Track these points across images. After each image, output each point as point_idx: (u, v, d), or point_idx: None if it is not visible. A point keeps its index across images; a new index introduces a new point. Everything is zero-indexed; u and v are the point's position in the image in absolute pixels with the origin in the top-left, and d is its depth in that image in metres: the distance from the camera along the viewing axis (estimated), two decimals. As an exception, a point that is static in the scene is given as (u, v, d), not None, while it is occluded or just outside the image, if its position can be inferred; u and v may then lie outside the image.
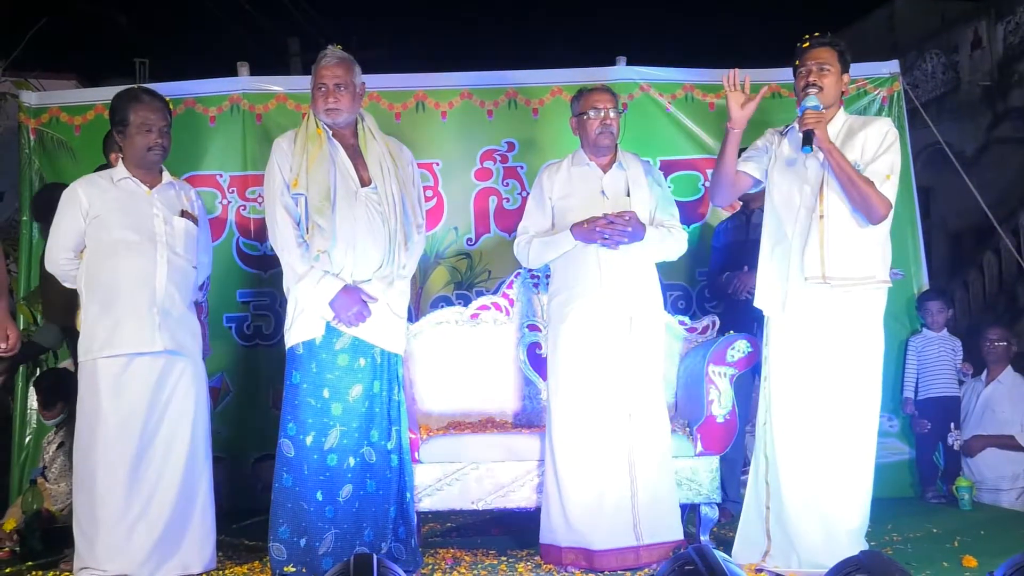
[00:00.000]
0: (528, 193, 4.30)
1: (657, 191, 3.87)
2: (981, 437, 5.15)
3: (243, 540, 4.19)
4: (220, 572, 3.57)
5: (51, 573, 3.66)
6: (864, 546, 3.34)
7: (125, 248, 3.42)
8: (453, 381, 4.33)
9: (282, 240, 3.42)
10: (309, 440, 3.36)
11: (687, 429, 3.91)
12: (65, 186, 3.62)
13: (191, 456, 3.44)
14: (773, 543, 3.44)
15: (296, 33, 12.19)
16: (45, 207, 4.11)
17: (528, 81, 5.28)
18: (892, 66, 5.41)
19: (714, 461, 3.90)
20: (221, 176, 5.15)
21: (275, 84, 5.23)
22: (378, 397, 3.47)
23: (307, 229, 3.39)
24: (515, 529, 4.21)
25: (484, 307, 4.41)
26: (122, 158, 3.55)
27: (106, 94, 4.49)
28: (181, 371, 3.45)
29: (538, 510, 3.78)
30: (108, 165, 3.81)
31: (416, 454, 3.79)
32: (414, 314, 4.70)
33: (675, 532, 3.64)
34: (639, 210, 3.73)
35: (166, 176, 3.58)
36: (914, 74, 11.13)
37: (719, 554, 2.38)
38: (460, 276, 5.18)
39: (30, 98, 5.25)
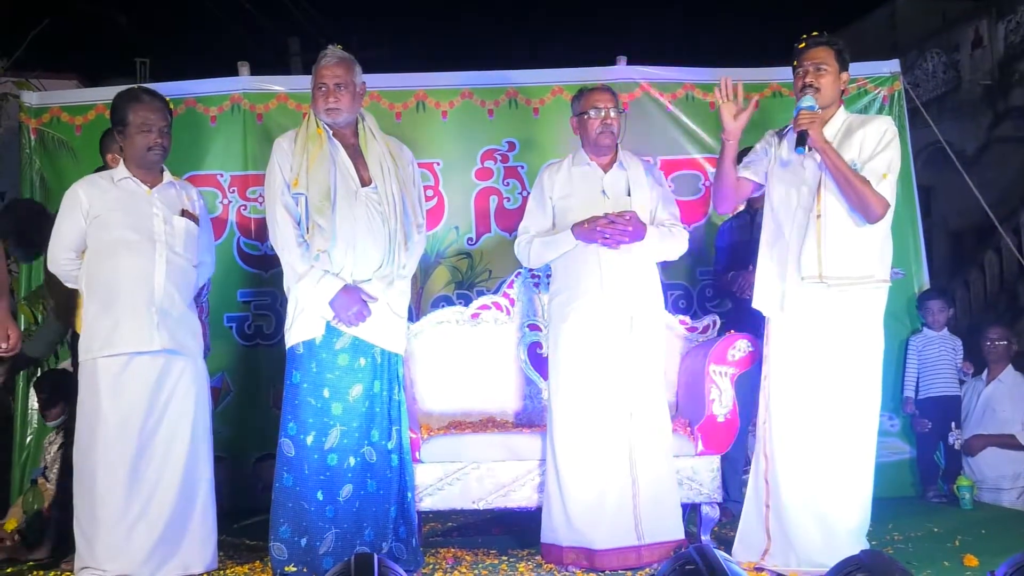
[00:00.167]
0: (529, 193, 4.30)
1: (658, 191, 3.87)
2: (982, 436, 5.15)
3: (244, 540, 4.20)
4: (221, 572, 3.57)
5: (52, 573, 3.67)
6: (865, 545, 3.34)
7: (124, 248, 3.42)
8: (454, 381, 4.33)
9: (282, 240, 3.42)
10: (309, 440, 3.36)
11: (688, 428, 3.91)
12: (30, 202, 3.62)
13: (191, 456, 3.44)
14: (773, 542, 3.44)
15: (297, 33, 12.20)
16: (11, 225, 4.10)
17: (529, 81, 5.28)
18: (893, 65, 5.41)
19: (715, 460, 3.90)
20: (222, 176, 5.15)
21: (276, 84, 5.23)
22: (378, 397, 3.47)
23: (307, 229, 3.39)
24: (516, 529, 4.21)
25: (485, 307, 4.41)
26: (123, 158, 3.55)
27: (107, 94, 4.50)
28: (181, 370, 3.45)
29: (539, 510, 3.79)
30: (108, 166, 3.81)
31: (417, 454, 3.79)
32: (415, 314, 4.70)
33: (676, 532, 3.64)
34: (640, 210, 3.73)
35: (167, 176, 3.59)
36: (915, 73, 11.13)
37: (720, 554, 2.38)
38: (461, 276, 5.18)
39: (31, 98, 5.25)
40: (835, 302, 3.35)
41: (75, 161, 5.05)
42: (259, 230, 5.03)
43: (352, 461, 3.39)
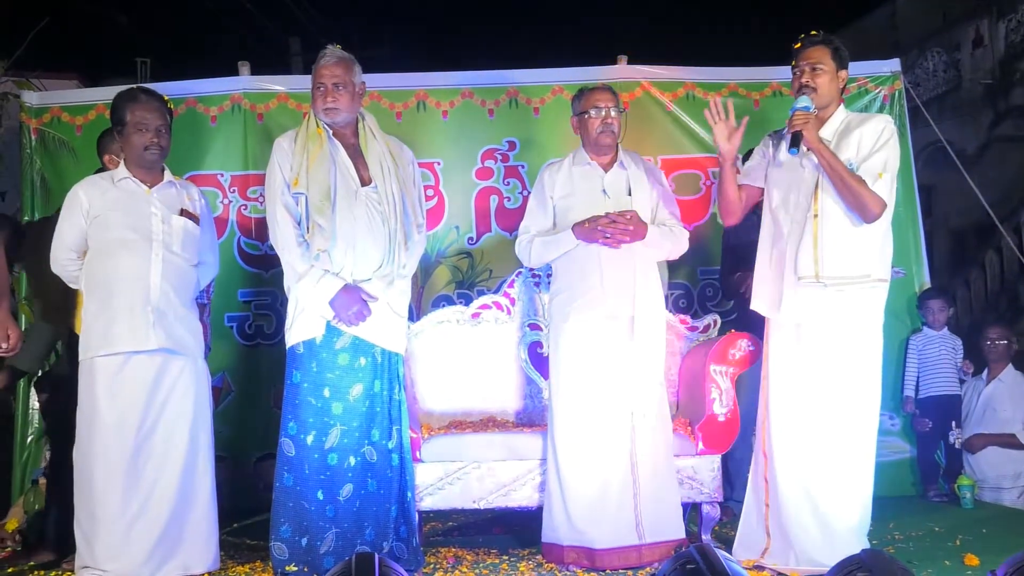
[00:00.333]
0: (529, 192, 4.30)
1: (658, 190, 3.87)
2: (982, 436, 5.15)
3: (245, 539, 4.20)
4: (222, 571, 3.57)
5: (53, 573, 3.67)
6: (866, 545, 3.34)
7: (122, 247, 3.42)
8: (454, 380, 4.33)
9: (282, 239, 3.43)
10: (310, 439, 3.36)
11: (688, 428, 3.91)
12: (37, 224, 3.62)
13: (190, 455, 3.43)
14: (772, 541, 3.45)
15: (297, 33, 12.20)
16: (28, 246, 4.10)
17: (529, 80, 5.28)
18: (893, 64, 5.40)
19: (715, 460, 3.90)
20: (222, 176, 5.15)
21: (276, 84, 5.23)
22: (379, 396, 3.47)
23: (307, 228, 3.39)
24: (517, 528, 4.21)
25: (485, 306, 4.41)
26: (124, 158, 3.56)
27: (107, 94, 4.49)
28: (179, 370, 3.45)
29: (540, 509, 3.79)
30: (106, 167, 3.81)
31: (417, 453, 3.79)
32: (415, 313, 4.70)
33: (677, 531, 3.64)
34: (640, 209, 3.73)
35: (167, 175, 3.59)
36: (915, 72, 11.12)
37: (721, 553, 2.39)
38: (461, 275, 5.18)
39: (31, 98, 5.25)
40: (833, 302, 3.35)
41: (76, 161, 5.05)
42: (260, 230, 5.02)
43: (352, 461, 3.40)
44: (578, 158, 3.86)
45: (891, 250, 3.46)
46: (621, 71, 5.26)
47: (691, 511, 3.95)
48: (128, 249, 3.42)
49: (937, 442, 5.06)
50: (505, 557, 3.78)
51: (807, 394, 3.39)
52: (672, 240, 3.80)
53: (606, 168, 3.82)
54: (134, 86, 3.70)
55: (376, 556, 2.36)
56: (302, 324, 3.43)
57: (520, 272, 4.39)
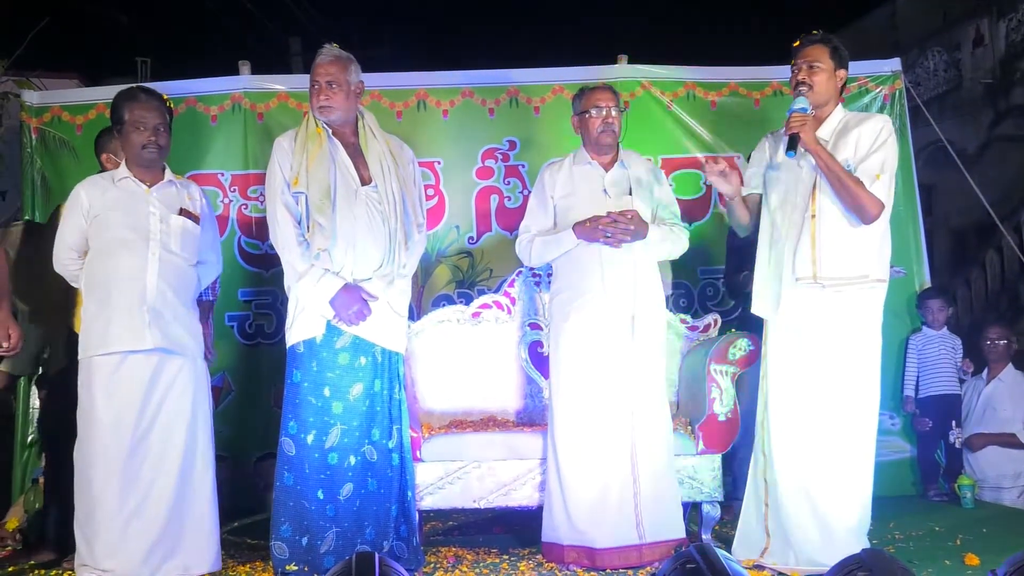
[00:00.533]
0: (529, 192, 4.30)
1: (659, 189, 3.87)
2: (982, 435, 5.15)
3: (245, 539, 4.20)
4: (222, 571, 3.57)
5: (53, 572, 3.67)
6: (866, 544, 3.34)
7: (120, 246, 3.43)
8: (455, 380, 4.34)
9: (283, 239, 3.43)
10: (310, 439, 3.36)
11: (689, 427, 3.92)
12: None
13: (188, 455, 3.43)
14: (772, 540, 3.45)
15: (298, 32, 12.20)
16: None
17: (529, 80, 5.28)
18: (894, 64, 5.40)
19: (716, 459, 3.90)
20: (223, 175, 5.15)
21: (276, 83, 5.23)
22: (379, 396, 3.47)
23: (307, 228, 3.40)
24: (517, 527, 4.22)
25: (486, 306, 4.41)
26: (124, 158, 3.57)
27: (107, 93, 4.49)
28: (177, 369, 3.45)
29: (540, 508, 3.79)
30: (118, 166, 3.81)
31: (418, 452, 3.79)
32: (416, 312, 4.70)
33: (677, 530, 3.65)
34: (641, 209, 3.73)
35: (167, 174, 3.59)
36: (916, 72, 11.11)
37: (721, 552, 2.39)
38: (462, 275, 5.18)
39: (32, 97, 5.25)
40: (831, 302, 3.35)
41: (76, 160, 5.05)
42: (260, 229, 5.02)
43: (353, 460, 3.40)
44: (579, 157, 3.86)
45: (889, 250, 3.46)
46: (621, 70, 5.25)
47: (691, 510, 3.95)
48: (126, 249, 3.43)
49: (937, 442, 5.06)
50: (505, 556, 3.78)
51: (806, 394, 3.39)
52: (673, 240, 3.80)
53: (607, 167, 3.82)
54: (134, 85, 3.71)
55: (376, 555, 2.36)
56: (302, 323, 3.43)
57: (520, 271, 4.39)
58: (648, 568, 3.50)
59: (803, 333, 3.41)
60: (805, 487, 3.37)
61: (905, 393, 5.10)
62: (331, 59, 3.51)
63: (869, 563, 2.31)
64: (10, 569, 3.74)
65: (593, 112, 3.76)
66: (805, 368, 3.40)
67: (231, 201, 5.13)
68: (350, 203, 3.44)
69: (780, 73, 5.11)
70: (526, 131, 5.23)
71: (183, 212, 3.55)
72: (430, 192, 5.09)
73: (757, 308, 3.58)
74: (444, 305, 4.68)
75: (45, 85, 5.85)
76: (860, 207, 3.29)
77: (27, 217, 5.11)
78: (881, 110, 5.24)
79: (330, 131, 3.51)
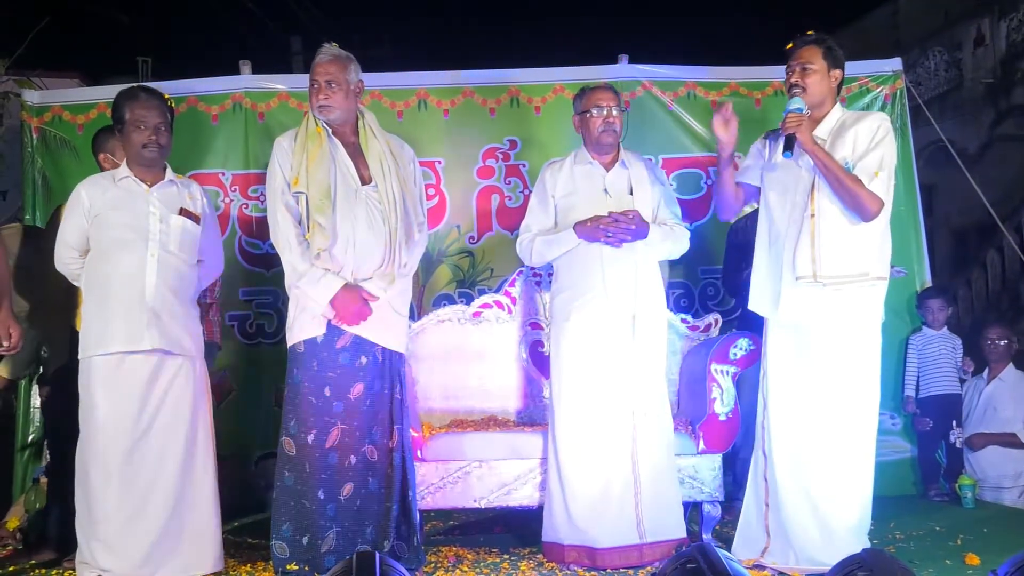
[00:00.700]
0: (530, 191, 4.30)
1: (659, 189, 3.87)
2: (983, 435, 5.15)
3: (246, 538, 4.21)
4: (223, 570, 3.57)
5: (54, 572, 3.68)
6: (866, 544, 3.34)
7: (119, 246, 3.43)
8: (455, 379, 4.34)
9: (283, 239, 3.42)
10: (311, 438, 3.36)
11: (689, 427, 3.92)
12: None
13: (187, 456, 3.43)
14: (772, 540, 3.45)
15: (298, 32, 12.20)
16: None
17: (530, 79, 5.28)
18: (895, 64, 5.40)
19: (716, 459, 3.90)
20: (223, 174, 5.15)
21: (277, 83, 5.23)
22: (380, 395, 3.47)
23: (308, 228, 3.39)
24: (518, 527, 4.22)
25: (486, 305, 4.41)
26: (125, 157, 3.57)
27: (108, 93, 4.50)
28: (177, 370, 3.45)
29: (541, 508, 3.79)
30: (116, 165, 3.81)
31: (418, 452, 3.79)
32: (416, 312, 4.70)
33: (678, 530, 3.65)
34: (642, 208, 3.73)
35: (168, 174, 3.59)
36: (917, 71, 11.11)
37: (722, 552, 2.38)
38: (462, 274, 5.19)
39: (33, 97, 5.25)
40: (830, 301, 3.35)
41: (77, 160, 5.05)
42: (261, 229, 5.02)
43: (353, 459, 3.39)
44: (580, 157, 3.86)
45: (889, 248, 3.46)
46: (622, 70, 5.25)
47: (692, 510, 3.95)
48: (126, 249, 3.43)
49: (938, 442, 5.06)
50: (506, 556, 3.78)
51: (806, 393, 3.39)
52: (673, 239, 3.80)
53: (608, 167, 3.82)
54: (135, 85, 3.71)
55: (377, 555, 2.36)
56: (303, 323, 3.43)
57: (521, 271, 4.39)
58: (649, 568, 3.50)
59: (803, 332, 3.41)
60: (805, 486, 3.37)
61: (906, 393, 5.11)
62: (330, 58, 3.50)
63: (870, 563, 2.31)
64: (11, 568, 3.74)
65: (594, 112, 3.76)
66: (805, 367, 3.40)
67: (232, 201, 5.13)
68: (350, 203, 3.43)
69: (781, 73, 5.02)
70: (527, 131, 5.23)
71: (183, 212, 3.55)
72: (431, 192, 5.10)
73: (754, 305, 3.58)
74: (445, 305, 4.68)
75: (46, 84, 5.86)
76: (859, 205, 3.29)
77: (27, 216, 5.12)
78: (882, 110, 5.24)
79: (330, 131, 3.50)
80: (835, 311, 3.36)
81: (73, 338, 3.60)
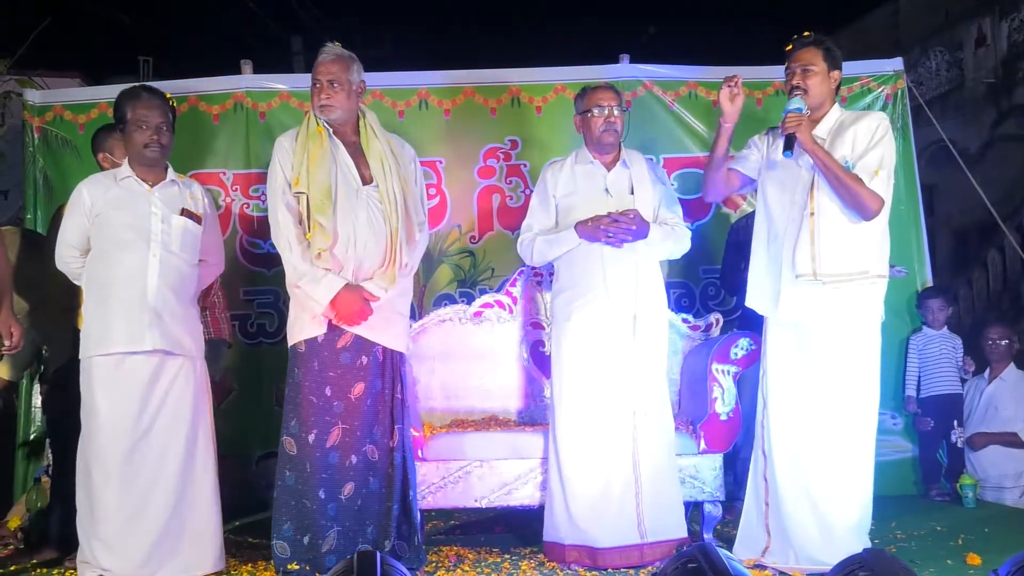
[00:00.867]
0: (531, 191, 4.30)
1: (660, 189, 3.87)
2: (984, 434, 5.15)
3: (247, 538, 4.21)
4: (224, 570, 3.57)
5: (56, 571, 3.68)
6: (866, 543, 3.34)
7: (120, 247, 3.43)
8: (456, 379, 4.34)
9: (284, 239, 3.42)
10: (311, 438, 3.36)
11: (690, 427, 3.91)
12: None
13: (188, 456, 3.43)
14: (772, 539, 3.45)
15: (299, 31, 12.20)
16: None
17: (531, 79, 5.28)
18: (896, 63, 5.40)
19: (717, 459, 3.90)
20: (224, 174, 5.16)
21: (278, 82, 5.23)
22: (381, 395, 3.47)
23: (308, 228, 3.39)
24: (518, 527, 4.22)
25: (487, 305, 4.41)
26: (127, 157, 3.57)
27: (110, 92, 4.50)
28: (177, 370, 3.45)
29: (542, 508, 3.79)
30: (115, 165, 3.82)
31: (419, 451, 3.79)
32: (417, 312, 4.70)
33: (679, 530, 3.64)
34: (643, 208, 3.73)
35: (170, 174, 3.59)
36: (918, 71, 11.11)
37: (723, 552, 2.38)
38: (463, 274, 5.19)
39: (34, 96, 5.25)
40: (830, 299, 3.35)
41: (78, 159, 5.05)
42: (262, 228, 5.01)
43: (354, 459, 3.39)
44: (581, 157, 3.86)
45: (888, 247, 3.46)
46: (623, 70, 5.26)
47: (693, 510, 3.95)
48: (127, 249, 3.43)
49: (939, 441, 5.06)
50: (507, 556, 3.78)
51: (806, 392, 3.39)
52: (674, 239, 3.80)
53: (609, 167, 3.82)
54: (137, 84, 3.70)
55: (378, 554, 2.36)
56: (304, 323, 3.43)
57: (522, 271, 4.39)
58: (649, 568, 3.50)
59: (803, 330, 3.41)
60: (805, 486, 3.37)
61: (907, 393, 5.11)
62: (333, 58, 3.50)
63: (871, 563, 2.30)
64: (12, 568, 3.75)
65: (595, 111, 3.76)
66: (805, 365, 3.40)
67: (233, 200, 5.13)
68: (351, 203, 3.43)
69: (782, 73, 5.05)
70: (528, 130, 5.23)
71: (185, 212, 3.55)
72: (432, 191, 5.10)
73: (752, 302, 3.58)
74: (446, 304, 4.68)
75: (47, 84, 5.86)
76: (860, 204, 3.29)
77: (29, 216, 5.13)
78: (883, 109, 5.24)
79: (331, 130, 3.50)
80: (835, 309, 3.36)
81: (74, 337, 3.60)
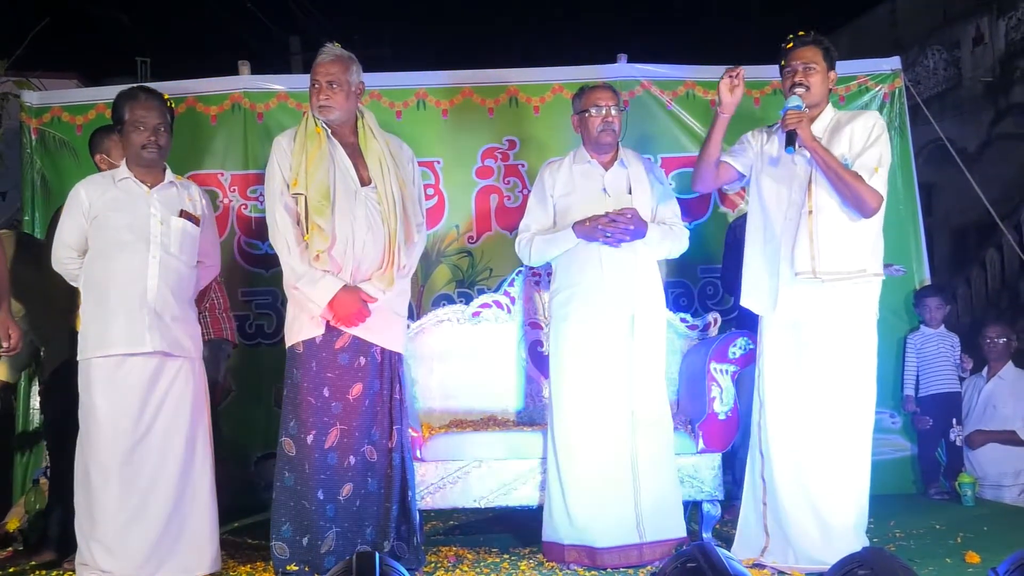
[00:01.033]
0: (529, 191, 4.30)
1: (658, 188, 3.87)
2: (982, 432, 5.16)
3: (246, 539, 4.20)
4: (223, 571, 3.57)
5: (54, 573, 3.67)
6: (864, 542, 3.34)
7: (119, 248, 3.42)
8: (455, 379, 4.33)
9: (282, 240, 3.42)
10: (310, 439, 3.36)
11: (689, 426, 3.91)
12: None
13: (187, 457, 3.43)
14: (771, 539, 3.45)
15: (297, 32, 12.22)
16: None
17: (529, 79, 5.28)
18: (894, 62, 5.40)
19: (716, 458, 3.90)
20: (222, 175, 5.15)
21: (276, 83, 5.23)
22: (379, 396, 3.47)
23: (307, 229, 3.39)
24: (517, 527, 4.22)
25: (486, 305, 4.41)
26: (125, 158, 3.56)
27: (107, 93, 4.50)
28: (176, 371, 3.44)
29: (541, 508, 3.79)
30: (112, 166, 3.82)
31: (418, 452, 3.79)
32: (415, 312, 4.70)
33: (678, 529, 3.64)
34: (641, 208, 3.73)
35: (168, 175, 3.58)
36: (916, 70, 11.11)
37: (722, 551, 2.38)
38: (461, 274, 5.19)
39: (31, 98, 5.25)
40: (829, 297, 3.36)
41: (76, 161, 5.05)
42: (260, 229, 5.01)
43: (352, 460, 3.39)
44: (578, 156, 3.86)
45: (882, 245, 3.46)
46: (621, 70, 5.26)
47: (692, 509, 3.95)
48: (125, 250, 3.42)
49: (938, 440, 5.06)
50: (506, 556, 3.78)
51: (804, 391, 3.39)
52: (673, 239, 3.80)
53: (606, 166, 3.81)
54: (135, 85, 3.70)
55: (377, 555, 2.35)
56: (302, 324, 3.43)
57: (520, 271, 4.39)
58: (648, 567, 3.50)
59: (801, 329, 3.41)
60: (805, 486, 3.37)
61: (905, 392, 5.11)
62: (332, 58, 3.50)
63: (870, 561, 2.31)
64: (11, 570, 3.74)
65: (593, 111, 3.76)
66: (804, 365, 3.40)
67: (231, 201, 5.13)
68: (350, 204, 3.43)
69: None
70: (526, 130, 5.23)
71: (183, 214, 3.54)
72: (430, 192, 5.10)
73: (746, 301, 3.58)
74: (444, 304, 4.68)
75: (45, 85, 5.84)
76: (860, 201, 3.30)
77: (27, 217, 5.12)
78: (881, 108, 5.25)
79: (329, 131, 3.50)
80: (834, 308, 3.36)
81: (72, 338, 3.59)
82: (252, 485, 4.82)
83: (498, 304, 4.41)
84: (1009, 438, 5.12)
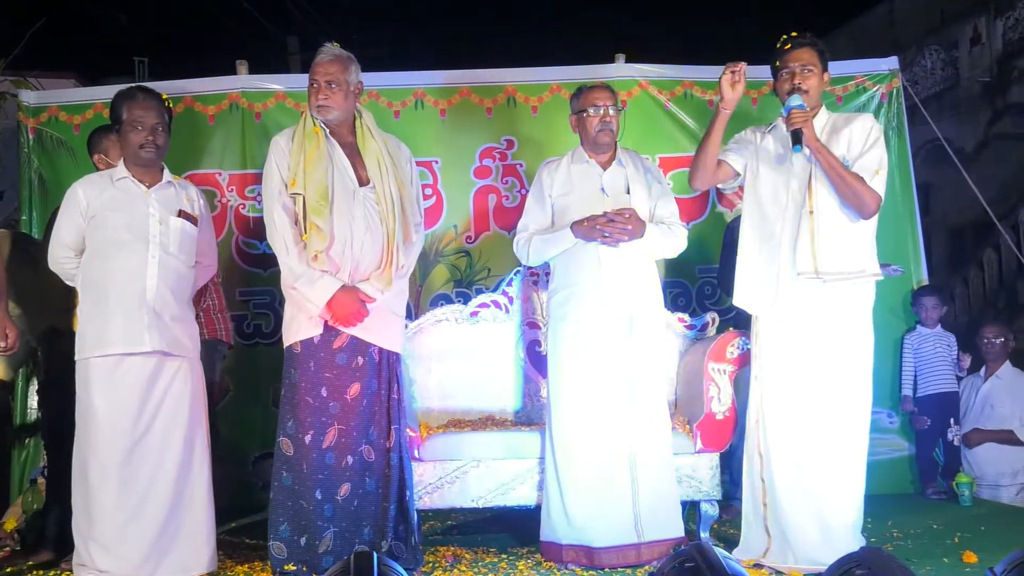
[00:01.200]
0: (527, 191, 4.30)
1: (657, 188, 3.87)
2: (980, 431, 5.17)
3: (243, 539, 4.20)
4: (221, 571, 3.57)
5: (52, 573, 3.67)
6: (861, 542, 3.35)
7: (117, 248, 3.41)
8: (453, 379, 4.33)
9: (280, 240, 3.41)
10: (307, 439, 3.36)
11: (687, 426, 3.91)
12: None
13: (185, 457, 3.42)
14: (773, 540, 3.45)
15: (295, 32, 12.21)
16: None
17: (527, 79, 5.28)
18: (891, 62, 5.41)
19: (714, 458, 3.90)
20: (220, 174, 5.15)
21: (274, 83, 5.23)
22: (377, 395, 3.47)
23: (305, 229, 3.38)
24: (515, 527, 4.21)
25: (484, 305, 4.41)
26: (123, 158, 3.56)
27: (105, 93, 4.49)
28: (175, 371, 3.44)
29: (539, 508, 3.79)
30: (110, 166, 3.81)
31: (416, 452, 3.79)
32: (413, 312, 4.70)
33: (676, 529, 3.64)
34: (639, 207, 3.73)
35: (166, 175, 3.58)
36: (913, 70, 11.13)
37: (719, 551, 2.38)
38: (460, 274, 5.18)
39: (29, 97, 5.24)
40: (828, 297, 3.36)
41: (73, 160, 5.04)
42: (258, 229, 5.02)
43: (350, 460, 3.39)
44: (576, 156, 3.86)
45: (875, 246, 3.47)
46: (619, 70, 5.25)
47: (690, 509, 3.95)
48: (124, 250, 3.41)
49: (936, 440, 5.06)
50: (504, 556, 3.78)
51: (802, 392, 3.39)
52: (671, 238, 3.80)
53: (604, 166, 3.82)
54: (134, 85, 3.69)
55: (375, 555, 2.35)
56: (300, 324, 3.42)
57: (518, 271, 4.39)
58: (646, 567, 3.50)
59: (799, 328, 3.41)
60: (804, 485, 3.37)
61: (903, 392, 5.11)
62: (331, 58, 3.49)
63: (867, 561, 2.31)
64: (8, 570, 3.74)
65: (591, 111, 3.76)
66: (801, 365, 3.40)
67: (229, 201, 5.13)
68: (348, 204, 3.42)
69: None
70: (524, 130, 5.23)
71: (182, 214, 3.54)
72: (428, 191, 5.10)
73: (744, 302, 3.58)
74: (442, 304, 4.68)
75: (42, 85, 5.83)
76: (861, 202, 3.32)
77: (24, 217, 5.12)
78: (879, 108, 5.25)
79: (327, 131, 3.50)
80: (832, 307, 3.37)
81: (69, 338, 3.59)
82: (250, 485, 4.82)
83: (496, 304, 4.40)
84: (1007, 438, 5.13)
